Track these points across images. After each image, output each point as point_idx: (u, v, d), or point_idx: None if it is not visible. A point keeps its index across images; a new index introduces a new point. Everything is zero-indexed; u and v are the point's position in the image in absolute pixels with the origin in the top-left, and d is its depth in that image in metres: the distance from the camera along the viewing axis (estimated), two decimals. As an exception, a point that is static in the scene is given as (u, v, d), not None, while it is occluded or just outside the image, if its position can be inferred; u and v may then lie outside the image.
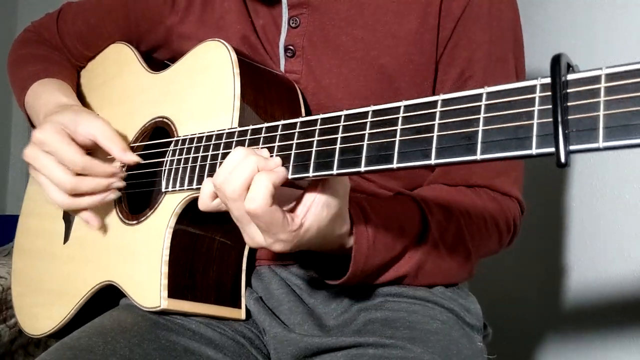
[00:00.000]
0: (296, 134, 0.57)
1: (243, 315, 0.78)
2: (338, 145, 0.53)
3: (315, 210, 0.58)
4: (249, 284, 0.81)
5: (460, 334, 0.73)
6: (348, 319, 0.75)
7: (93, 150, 0.80)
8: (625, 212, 1.10)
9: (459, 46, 0.78)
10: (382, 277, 0.73)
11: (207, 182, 0.61)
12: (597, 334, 1.15)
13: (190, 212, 0.72)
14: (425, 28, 0.77)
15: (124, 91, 0.89)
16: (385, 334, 0.70)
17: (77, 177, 0.76)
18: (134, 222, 0.77)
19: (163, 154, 0.75)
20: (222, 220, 0.75)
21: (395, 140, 0.49)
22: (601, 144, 0.37)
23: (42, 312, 0.91)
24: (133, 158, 0.78)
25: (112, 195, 0.78)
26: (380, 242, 0.68)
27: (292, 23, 0.80)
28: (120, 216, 0.80)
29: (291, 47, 0.80)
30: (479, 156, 0.43)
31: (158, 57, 0.94)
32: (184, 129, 0.75)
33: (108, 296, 0.82)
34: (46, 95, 0.88)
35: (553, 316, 1.30)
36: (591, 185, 1.20)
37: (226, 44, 0.73)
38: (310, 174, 0.55)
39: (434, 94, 0.79)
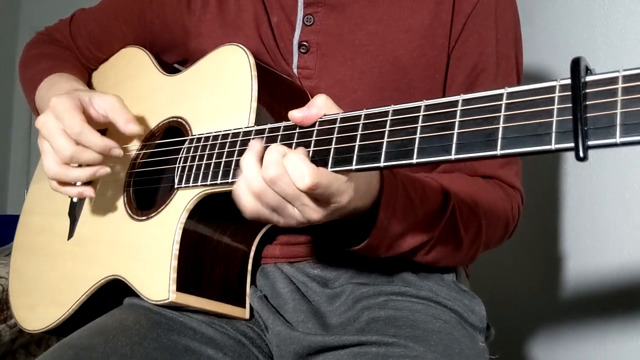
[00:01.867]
0: (315, 131, 0.60)
1: (247, 315, 0.79)
2: (357, 143, 0.55)
3: None
4: (253, 282, 0.82)
5: (463, 333, 0.74)
6: (352, 316, 0.76)
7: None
8: (625, 211, 1.11)
9: (469, 42, 0.82)
10: (401, 242, 0.71)
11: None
12: (597, 333, 1.15)
13: (200, 210, 0.74)
14: (437, 23, 0.81)
15: (138, 92, 0.91)
16: (388, 332, 0.70)
17: (78, 146, 0.76)
18: (143, 217, 0.78)
19: (176, 152, 0.77)
20: (231, 219, 0.77)
21: (415, 138, 0.51)
22: (618, 139, 0.40)
23: (41, 307, 0.91)
24: (135, 128, 0.79)
25: (102, 171, 0.78)
26: (406, 201, 0.68)
27: (307, 21, 0.83)
28: (129, 212, 0.81)
29: (305, 44, 0.83)
30: (499, 151, 0.45)
31: (169, 59, 0.96)
32: (199, 128, 0.77)
33: (111, 295, 0.83)
34: (60, 85, 0.89)
35: (553, 315, 1.30)
36: (591, 185, 1.20)
37: (244, 48, 0.75)
38: (329, 169, 0.57)
39: (445, 86, 0.82)
